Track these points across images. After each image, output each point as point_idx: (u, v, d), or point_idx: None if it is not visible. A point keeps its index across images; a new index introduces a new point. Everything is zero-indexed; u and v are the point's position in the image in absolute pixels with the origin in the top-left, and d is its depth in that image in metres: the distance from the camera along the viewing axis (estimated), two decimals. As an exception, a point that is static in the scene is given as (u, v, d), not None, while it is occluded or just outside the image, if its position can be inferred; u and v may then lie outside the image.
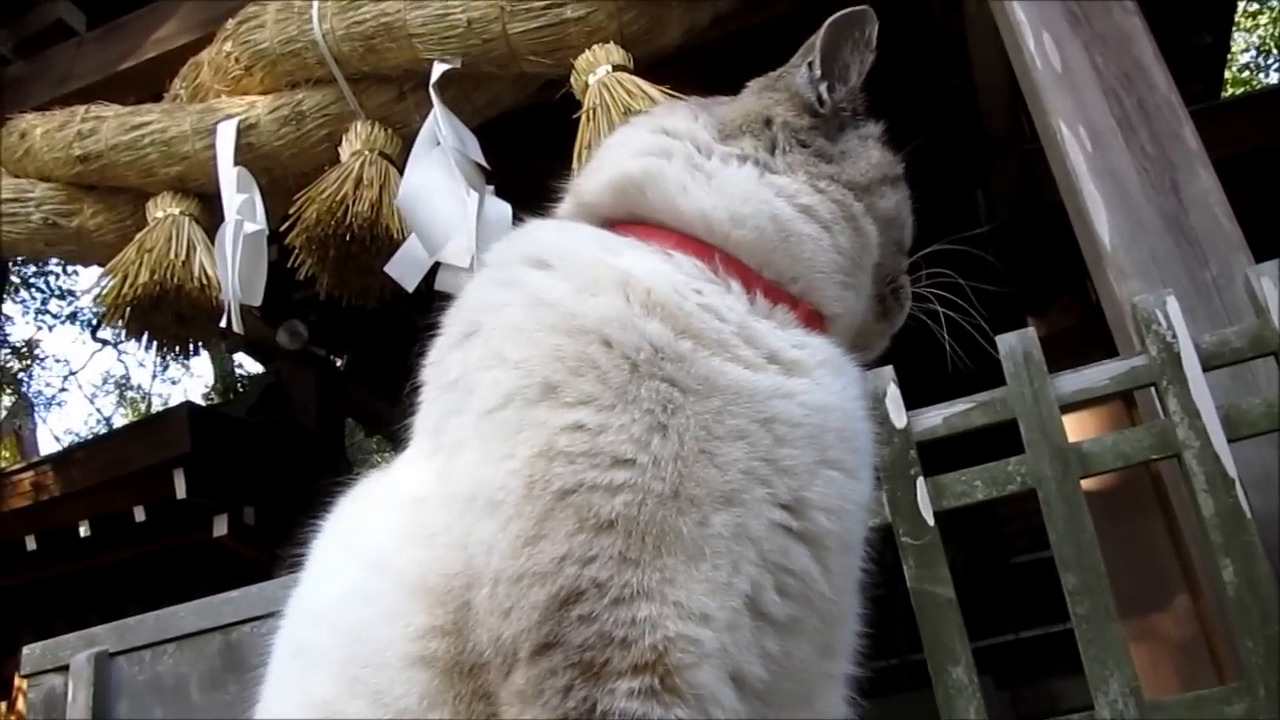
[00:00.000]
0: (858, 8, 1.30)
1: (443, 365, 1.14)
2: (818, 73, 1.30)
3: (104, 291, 3.67)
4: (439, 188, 3.29)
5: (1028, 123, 3.76)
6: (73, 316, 16.90)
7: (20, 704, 6.59)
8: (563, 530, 0.93)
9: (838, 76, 1.31)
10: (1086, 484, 2.16)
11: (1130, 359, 2.17)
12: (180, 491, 6.05)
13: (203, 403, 14.29)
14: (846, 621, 1.10)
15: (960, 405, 2.22)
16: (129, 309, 3.63)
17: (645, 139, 1.26)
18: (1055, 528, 2.08)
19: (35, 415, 16.68)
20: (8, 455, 14.17)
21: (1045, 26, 2.89)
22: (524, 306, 1.07)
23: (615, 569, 0.92)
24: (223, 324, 3.55)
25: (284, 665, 1.13)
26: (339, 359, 7.57)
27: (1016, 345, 2.20)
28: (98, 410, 20.29)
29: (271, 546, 6.28)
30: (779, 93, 1.31)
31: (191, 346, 4.05)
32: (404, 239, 3.41)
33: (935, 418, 2.22)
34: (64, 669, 2.79)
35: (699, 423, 0.98)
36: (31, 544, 6.50)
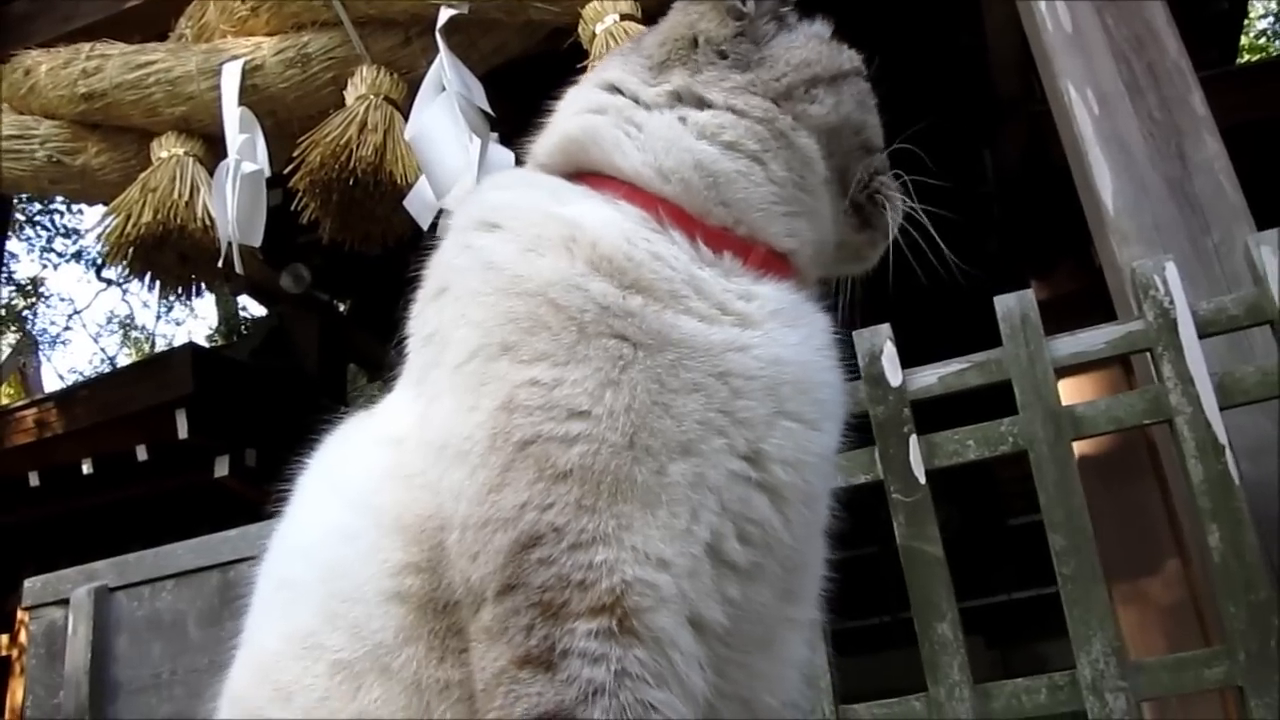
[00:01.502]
0: None
1: (423, 318, 1.16)
2: None
3: (107, 230, 3.67)
4: (443, 134, 3.28)
5: (1038, 84, 3.73)
6: (78, 255, 16.90)
7: (22, 636, 6.68)
8: (523, 479, 0.96)
9: None
10: (1083, 448, 2.18)
11: (1127, 324, 2.18)
12: (182, 432, 6.10)
13: (206, 344, 14.32)
14: (810, 568, 1.11)
15: (955, 365, 2.23)
16: (132, 248, 3.62)
17: (585, 96, 1.24)
18: (1045, 489, 2.10)
19: (39, 353, 16.74)
20: (12, 392, 14.23)
21: (1058, -14, 2.86)
22: (478, 271, 1.08)
23: (572, 515, 0.94)
24: (221, 264, 3.55)
25: (267, 599, 1.16)
26: (342, 304, 7.57)
27: (1014, 306, 2.20)
28: (102, 349, 20.37)
29: (272, 488, 6.32)
30: (702, 5, 1.23)
31: (194, 287, 4.05)
32: (408, 185, 3.40)
33: (930, 377, 2.23)
34: (64, 603, 2.84)
35: (651, 376, 0.99)
36: (34, 480, 6.56)
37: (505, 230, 1.10)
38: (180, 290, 4.01)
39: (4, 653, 7.21)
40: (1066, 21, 2.83)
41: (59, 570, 2.94)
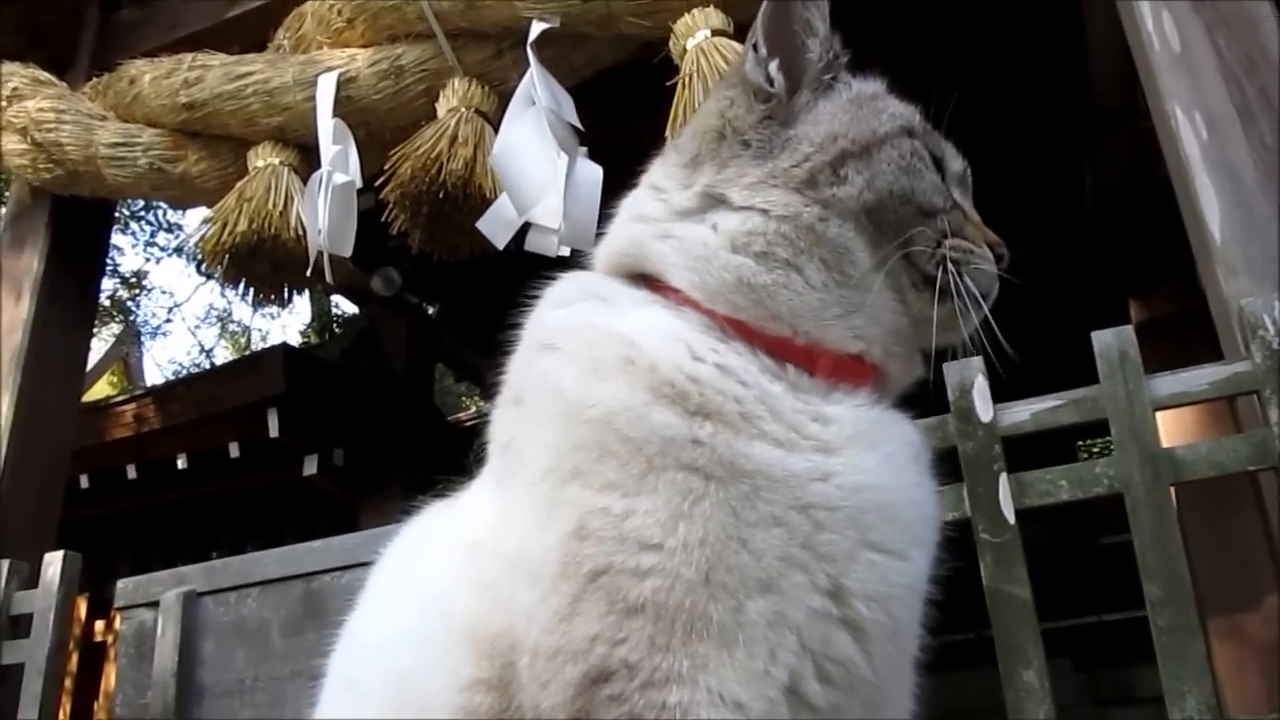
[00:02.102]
0: None
1: (501, 425, 1.13)
2: (763, 52, 1.13)
3: (204, 237, 3.76)
4: (531, 148, 3.28)
5: (1142, 98, 3.61)
6: (179, 250, 17.36)
7: (117, 623, 6.89)
8: (595, 610, 0.92)
9: (789, 47, 1.13)
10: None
11: (1233, 364, 2.08)
12: (273, 430, 6.24)
13: (299, 341, 14.63)
14: (893, 703, 1.04)
15: (1049, 401, 2.15)
16: (227, 256, 3.70)
17: (634, 200, 1.19)
18: (1141, 534, 2.01)
19: (141, 344, 17.26)
20: (115, 380, 14.70)
21: (1165, 4, 2.76)
22: (545, 392, 1.05)
23: (645, 652, 0.90)
24: (310, 273, 3.61)
25: (336, 697, 1.14)
26: (431, 307, 7.66)
27: (1112, 343, 2.12)
28: (199, 342, 20.92)
29: (359, 487, 6.45)
30: (733, 89, 1.15)
31: (286, 294, 4.12)
32: (496, 198, 3.42)
33: (1023, 413, 2.16)
34: (154, 605, 2.91)
35: (726, 510, 0.93)
36: (132, 473, 6.77)
37: (563, 352, 1.06)
38: (272, 296, 4.09)
39: (100, 638, 7.44)
40: (1174, 40, 2.72)
41: (155, 562, 3.02)
